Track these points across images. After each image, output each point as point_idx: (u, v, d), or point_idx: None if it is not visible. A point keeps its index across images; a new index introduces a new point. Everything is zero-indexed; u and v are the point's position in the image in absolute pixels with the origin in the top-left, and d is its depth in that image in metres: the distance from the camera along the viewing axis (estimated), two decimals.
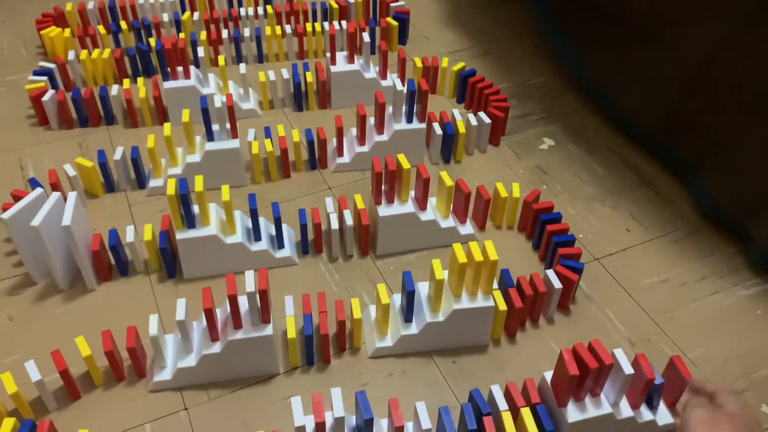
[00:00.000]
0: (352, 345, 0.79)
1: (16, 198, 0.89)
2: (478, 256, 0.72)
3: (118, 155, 0.95)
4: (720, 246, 0.93)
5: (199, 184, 0.79)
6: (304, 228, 0.88)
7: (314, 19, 1.31)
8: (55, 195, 0.80)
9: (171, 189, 0.78)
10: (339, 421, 0.59)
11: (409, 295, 0.75)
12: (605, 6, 1.06)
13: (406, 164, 0.84)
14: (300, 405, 0.60)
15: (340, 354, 0.78)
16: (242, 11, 1.26)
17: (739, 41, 0.86)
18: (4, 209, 0.86)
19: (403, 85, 0.98)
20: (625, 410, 0.67)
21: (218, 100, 0.92)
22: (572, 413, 0.66)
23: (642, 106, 1.05)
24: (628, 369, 0.64)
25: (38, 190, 0.81)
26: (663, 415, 0.71)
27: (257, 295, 0.69)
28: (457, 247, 0.72)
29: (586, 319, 0.83)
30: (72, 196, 0.80)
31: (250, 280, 0.69)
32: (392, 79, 1.14)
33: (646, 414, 0.69)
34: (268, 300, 0.71)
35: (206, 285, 0.83)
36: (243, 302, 0.72)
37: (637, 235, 0.94)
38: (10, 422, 0.57)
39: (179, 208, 0.80)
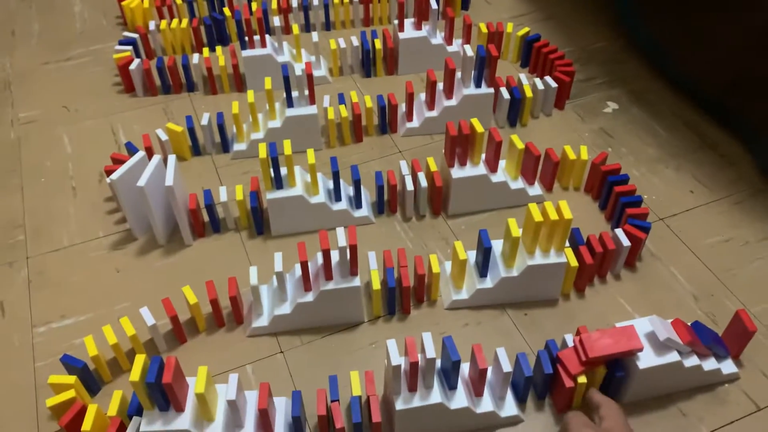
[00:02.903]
0: (430, 297, 0.85)
1: (116, 161, 0.96)
2: (553, 215, 0.76)
3: (204, 121, 1.01)
4: None
5: (287, 148, 0.85)
6: (380, 189, 0.93)
7: None
8: (157, 158, 0.87)
9: (263, 153, 0.85)
10: (431, 362, 0.66)
11: (486, 252, 0.80)
12: None
13: (479, 128, 0.88)
14: (395, 347, 0.66)
15: (419, 305, 0.85)
16: None
17: None
18: (107, 171, 0.95)
19: (472, 51, 1.01)
20: None
21: (298, 69, 0.98)
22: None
23: (706, 70, 1.06)
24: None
25: (140, 153, 0.88)
26: (727, 365, 0.76)
27: (348, 250, 0.75)
28: (533, 207, 0.77)
29: (651, 276, 0.87)
30: (171, 159, 0.87)
31: (341, 236, 0.75)
32: (458, 45, 1.18)
33: (710, 364, 0.75)
34: (356, 254, 0.77)
35: (291, 241, 0.91)
36: (333, 256, 0.78)
37: (701, 196, 0.97)
38: (141, 357, 0.64)
39: (269, 171, 0.87)
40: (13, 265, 0.89)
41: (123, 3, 1.26)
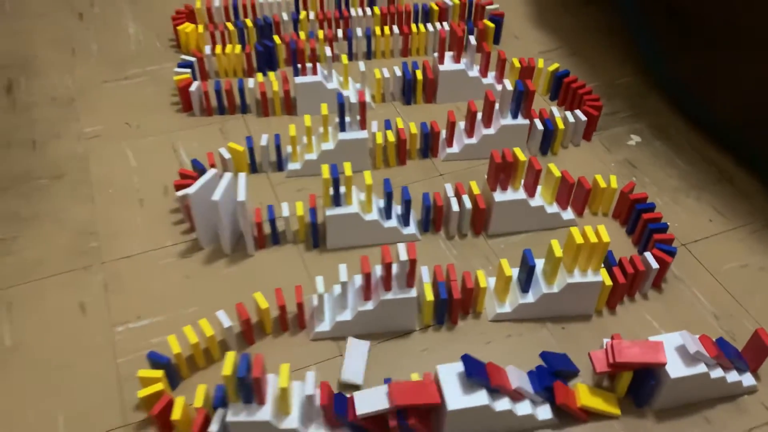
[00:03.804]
0: (475, 310, 0.93)
1: (184, 176, 1.04)
2: (592, 238, 0.85)
3: (263, 141, 1.10)
4: None
5: (348, 169, 0.94)
6: (427, 209, 1.01)
7: (416, 20, 1.43)
8: (228, 175, 0.95)
9: (326, 173, 0.93)
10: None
11: (530, 270, 0.88)
12: (692, 12, 1.17)
13: (522, 157, 0.97)
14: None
15: (464, 317, 0.92)
16: (352, 12, 1.40)
17: None
18: (176, 185, 1.03)
19: (512, 85, 1.10)
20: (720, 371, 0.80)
21: (353, 96, 1.06)
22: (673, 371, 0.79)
23: (726, 109, 1.16)
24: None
25: (212, 171, 0.96)
26: (747, 378, 0.84)
27: (407, 264, 0.83)
28: (575, 230, 0.85)
29: (676, 296, 0.95)
30: (242, 176, 0.95)
31: (402, 251, 0.83)
32: (492, 78, 1.27)
33: (733, 376, 0.83)
34: (415, 268, 0.84)
35: (344, 254, 0.98)
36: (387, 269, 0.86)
37: (719, 225, 1.06)
38: (232, 354, 0.72)
39: (330, 189, 0.95)
40: (89, 269, 0.97)
41: (179, 27, 1.35)
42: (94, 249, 0.99)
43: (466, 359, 0.76)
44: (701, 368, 0.79)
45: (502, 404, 0.77)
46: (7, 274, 0.95)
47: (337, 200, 0.96)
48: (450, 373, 0.77)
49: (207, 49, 1.29)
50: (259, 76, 1.23)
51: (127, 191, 1.09)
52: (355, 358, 0.86)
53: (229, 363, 0.71)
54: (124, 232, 1.02)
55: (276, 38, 1.32)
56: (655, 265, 0.92)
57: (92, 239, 1.01)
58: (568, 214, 1.04)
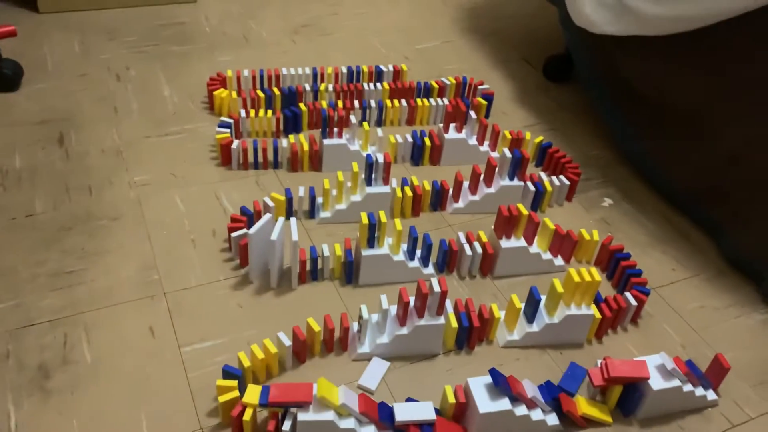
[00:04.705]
0: (488, 338, 1.10)
1: (234, 220, 1.20)
2: (587, 278, 1.05)
3: (301, 192, 1.27)
4: (740, 284, 1.27)
5: (383, 216, 1.12)
6: (444, 253, 1.20)
7: (418, 95, 1.65)
8: (281, 219, 1.12)
9: (365, 219, 1.11)
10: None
11: (536, 303, 1.07)
12: (653, 99, 1.43)
13: (524, 211, 1.17)
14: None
15: (479, 343, 1.10)
16: (365, 86, 1.61)
17: (763, 142, 1.21)
18: (230, 228, 1.19)
19: (509, 153, 1.32)
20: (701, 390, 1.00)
21: (380, 157, 1.26)
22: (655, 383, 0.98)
23: (683, 181, 1.40)
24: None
25: (268, 216, 1.13)
26: (710, 394, 1.04)
27: (439, 295, 1.01)
28: (572, 271, 1.05)
29: (649, 330, 1.16)
30: (293, 221, 1.12)
31: (435, 285, 1.01)
32: (486, 146, 1.49)
33: (700, 391, 1.02)
34: (445, 299, 1.02)
35: (374, 289, 1.15)
36: (413, 300, 1.04)
37: (681, 273, 1.28)
38: (257, 388, 0.88)
39: (367, 233, 1.12)
40: (153, 298, 1.11)
41: (214, 92, 1.53)
42: (156, 281, 1.13)
43: (493, 372, 0.93)
44: (676, 383, 0.99)
45: (521, 410, 0.94)
46: (81, 301, 1.08)
47: (371, 243, 1.14)
48: (478, 385, 0.94)
49: (242, 113, 1.47)
50: (291, 138, 1.41)
51: (180, 233, 1.23)
52: (375, 371, 1.03)
53: (254, 393, 0.86)
54: (181, 267, 1.17)
55: (301, 105, 1.52)
56: (634, 302, 1.13)
57: (153, 273, 1.15)
58: (559, 261, 1.25)
